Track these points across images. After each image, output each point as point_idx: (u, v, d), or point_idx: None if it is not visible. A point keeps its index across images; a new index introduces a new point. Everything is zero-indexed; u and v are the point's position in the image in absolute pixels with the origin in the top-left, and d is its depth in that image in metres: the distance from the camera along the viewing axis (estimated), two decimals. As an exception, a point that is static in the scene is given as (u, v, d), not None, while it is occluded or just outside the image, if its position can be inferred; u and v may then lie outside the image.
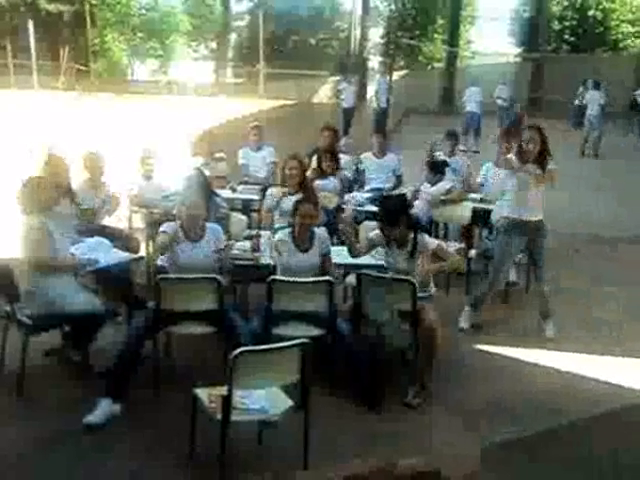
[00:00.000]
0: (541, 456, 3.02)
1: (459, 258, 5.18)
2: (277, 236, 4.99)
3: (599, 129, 16.32)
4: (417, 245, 4.78)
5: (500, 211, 5.78)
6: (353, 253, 4.96)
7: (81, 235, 5.37)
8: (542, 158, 5.34)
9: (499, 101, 18.66)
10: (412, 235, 4.81)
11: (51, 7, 27.50)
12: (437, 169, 7.16)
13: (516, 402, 4.59)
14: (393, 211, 4.83)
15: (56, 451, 3.84)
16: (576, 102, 19.44)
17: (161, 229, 4.76)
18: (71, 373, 4.69)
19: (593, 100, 16.60)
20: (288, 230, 4.94)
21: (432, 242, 4.92)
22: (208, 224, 4.85)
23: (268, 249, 5.16)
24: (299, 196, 5.90)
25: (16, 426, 4.08)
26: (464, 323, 5.75)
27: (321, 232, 4.98)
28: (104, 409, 4.08)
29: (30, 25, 23.97)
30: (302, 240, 4.84)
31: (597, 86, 17.16)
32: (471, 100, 17.12)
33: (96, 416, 4.04)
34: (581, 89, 19.41)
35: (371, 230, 5.67)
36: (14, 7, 27.38)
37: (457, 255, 5.08)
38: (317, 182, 7.04)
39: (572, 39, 32.34)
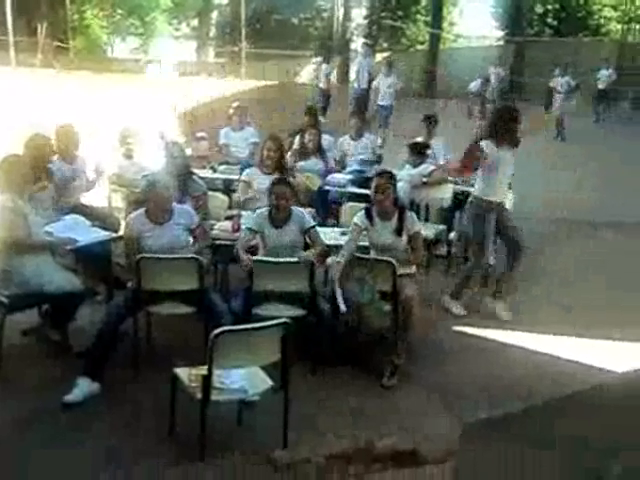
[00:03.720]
0: (518, 436, 3.04)
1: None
2: (255, 214, 5.00)
3: (563, 113, 16.51)
4: (404, 221, 4.81)
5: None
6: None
7: (59, 213, 5.31)
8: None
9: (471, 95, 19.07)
10: (398, 211, 4.84)
11: (29, -18, 27.01)
12: (419, 151, 7.18)
13: (493, 383, 4.63)
14: (385, 181, 4.87)
15: (34, 431, 3.82)
16: (550, 84, 19.44)
17: (127, 221, 4.71)
18: (50, 352, 4.66)
19: (560, 85, 16.80)
20: (265, 209, 4.93)
21: (417, 223, 4.96)
22: (177, 206, 4.75)
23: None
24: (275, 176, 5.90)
25: (-7, 406, 4.06)
26: (457, 309, 5.78)
27: (299, 210, 4.98)
28: (82, 388, 4.07)
29: (7, 0, 23.52)
30: (278, 218, 4.83)
31: (565, 71, 17.25)
32: (384, 92, 14.45)
33: (74, 395, 4.04)
34: (557, 71, 19.38)
35: (353, 211, 5.70)
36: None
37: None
38: (300, 163, 7.03)
39: (554, 23, 32.40)
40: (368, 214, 4.89)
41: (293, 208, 4.90)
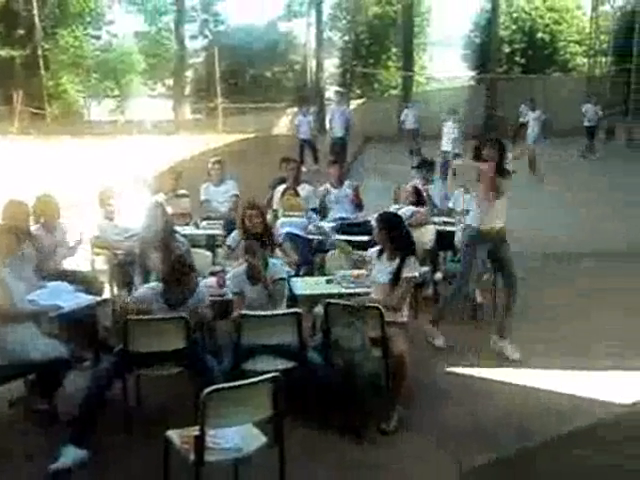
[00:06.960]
0: (520, 476, 2.96)
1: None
2: (232, 274, 5.14)
3: (535, 148, 16.18)
4: (404, 266, 4.81)
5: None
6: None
7: (42, 280, 5.27)
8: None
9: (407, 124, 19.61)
10: (401, 254, 4.85)
11: (3, 52, 27.36)
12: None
13: (491, 423, 4.58)
14: (393, 219, 5.06)
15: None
16: (520, 119, 19.35)
17: (137, 297, 4.71)
18: (37, 422, 4.54)
19: (532, 120, 16.91)
20: (242, 267, 5.05)
21: (416, 269, 4.90)
22: (202, 286, 4.87)
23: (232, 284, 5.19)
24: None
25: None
26: (438, 341, 5.82)
27: (272, 261, 5.16)
28: (68, 456, 3.97)
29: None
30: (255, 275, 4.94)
31: (533, 107, 17.50)
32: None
33: (62, 463, 3.94)
34: (522, 107, 19.39)
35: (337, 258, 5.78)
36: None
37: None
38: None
39: (522, 61, 33.18)
40: (381, 250, 5.01)
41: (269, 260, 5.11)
